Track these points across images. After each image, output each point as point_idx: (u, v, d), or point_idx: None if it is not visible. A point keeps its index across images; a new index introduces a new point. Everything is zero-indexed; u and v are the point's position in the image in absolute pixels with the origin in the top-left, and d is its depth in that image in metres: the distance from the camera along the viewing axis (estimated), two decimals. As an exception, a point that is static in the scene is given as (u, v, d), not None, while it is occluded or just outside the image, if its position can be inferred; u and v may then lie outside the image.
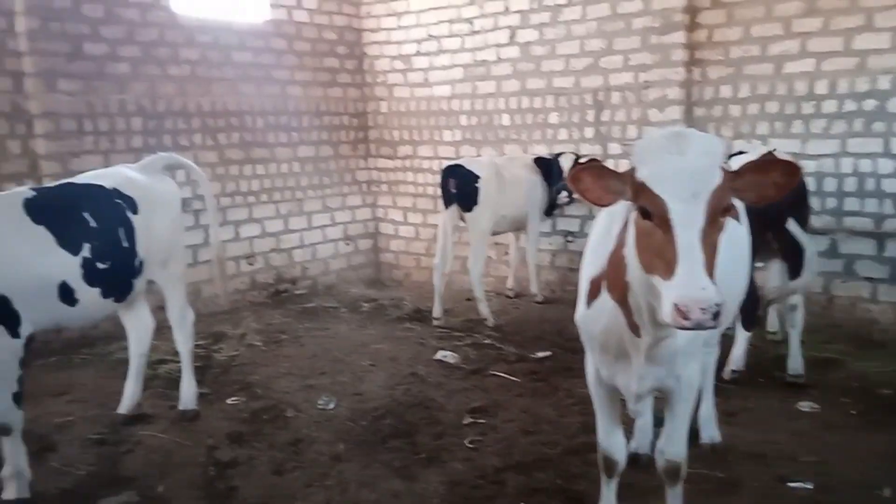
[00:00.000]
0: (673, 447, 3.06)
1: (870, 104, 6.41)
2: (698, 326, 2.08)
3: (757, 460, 4.04)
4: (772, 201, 2.38)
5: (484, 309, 6.91)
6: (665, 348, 2.70)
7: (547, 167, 7.42)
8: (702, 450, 4.08)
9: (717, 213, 2.23)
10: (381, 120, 9.71)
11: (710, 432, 4.21)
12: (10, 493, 3.69)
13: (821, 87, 6.64)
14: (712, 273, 2.17)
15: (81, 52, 6.82)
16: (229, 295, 7.79)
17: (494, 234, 7.22)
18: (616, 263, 2.62)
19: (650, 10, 7.34)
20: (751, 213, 3.61)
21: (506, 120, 8.64)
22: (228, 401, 5.04)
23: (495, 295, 7.92)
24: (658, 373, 2.81)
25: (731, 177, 2.27)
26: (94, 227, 4.00)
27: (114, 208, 4.18)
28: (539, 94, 8.32)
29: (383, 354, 6.00)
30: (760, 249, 5.02)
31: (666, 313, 2.14)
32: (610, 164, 7.90)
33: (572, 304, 7.50)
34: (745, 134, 7.12)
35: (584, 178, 2.39)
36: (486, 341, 6.30)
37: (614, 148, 7.90)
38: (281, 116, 8.63)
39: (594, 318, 2.85)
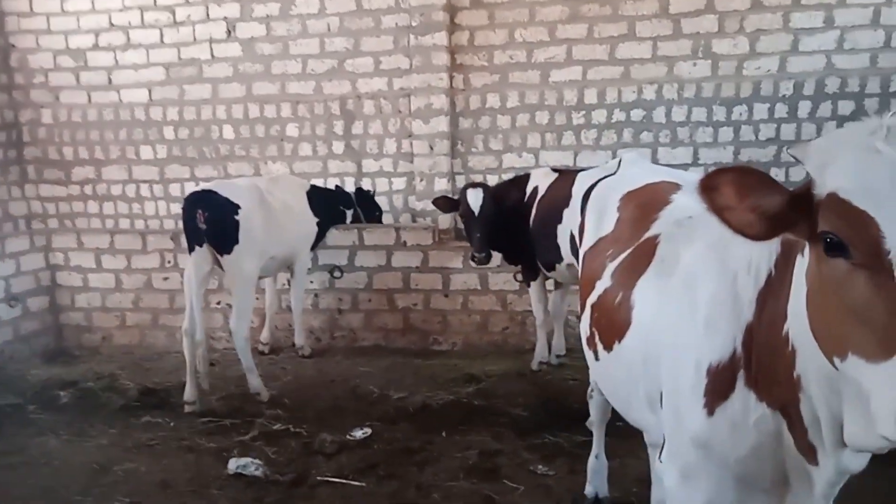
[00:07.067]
0: None
1: (637, 114, 6.35)
2: None
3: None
4: None
5: (255, 380, 5.22)
6: (843, 480, 1.73)
7: (323, 200, 6.06)
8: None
9: None
10: (44, 134, 7.22)
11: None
12: None
13: (590, 97, 6.40)
14: None
15: None
16: None
17: (259, 279, 5.53)
18: (774, 342, 1.64)
19: (403, 6, 6.42)
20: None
21: (228, 132, 6.98)
22: None
23: (243, 353, 6.21)
24: None
25: None
26: None
27: None
28: (271, 102, 6.84)
29: (147, 480, 3.98)
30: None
31: (886, 423, 1.25)
32: (380, 183, 6.80)
33: (345, 354, 6.11)
34: (515, 147, 6.62)
35: (725, 189, 1.43)
36: (276, 426, 4.66)
37: (370, 165, 6.81)
38: None
39: (729, 434, 1.75)
